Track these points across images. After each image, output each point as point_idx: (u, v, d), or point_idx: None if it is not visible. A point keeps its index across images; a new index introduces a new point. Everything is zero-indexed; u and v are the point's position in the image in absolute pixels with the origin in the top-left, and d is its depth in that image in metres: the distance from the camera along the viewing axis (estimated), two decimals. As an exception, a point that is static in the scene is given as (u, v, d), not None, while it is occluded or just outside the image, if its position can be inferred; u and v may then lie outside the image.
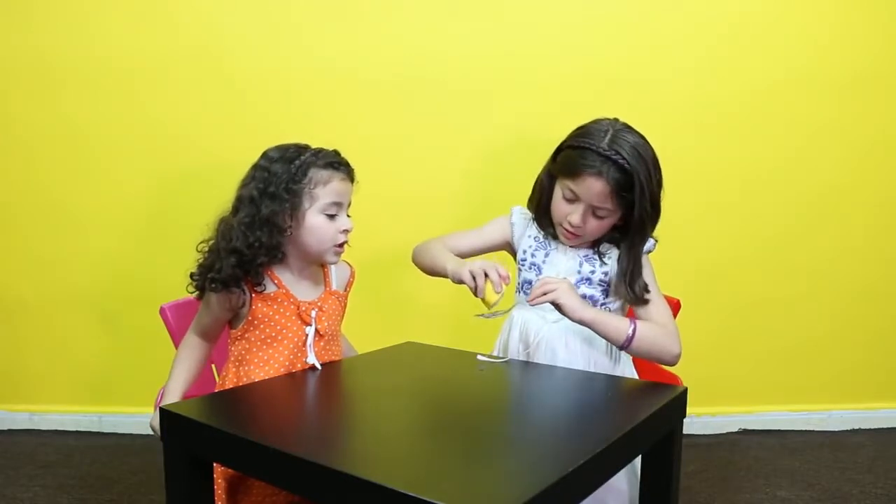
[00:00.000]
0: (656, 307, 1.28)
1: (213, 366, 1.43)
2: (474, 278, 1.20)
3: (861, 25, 2.15)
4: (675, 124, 2.15)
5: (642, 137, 1.25)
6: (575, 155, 1.24)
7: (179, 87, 2.14)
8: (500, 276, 1.18)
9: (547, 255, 1.37)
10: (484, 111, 2.13)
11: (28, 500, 1.85)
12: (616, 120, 1.27)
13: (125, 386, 2.27)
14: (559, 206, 1.30)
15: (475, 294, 1.20)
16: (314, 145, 1.26)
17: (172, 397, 1.21)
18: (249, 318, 1.20)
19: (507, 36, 2.12)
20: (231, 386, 1.20)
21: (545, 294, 1.19)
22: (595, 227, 1.27)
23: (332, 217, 1.21)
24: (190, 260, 1.22)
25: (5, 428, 2.34)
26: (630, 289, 1.27)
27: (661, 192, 1.27)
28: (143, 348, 2.13)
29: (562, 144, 1.30)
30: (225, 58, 2.12)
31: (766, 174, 2.21)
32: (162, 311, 1.41)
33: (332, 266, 1.30)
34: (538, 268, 1.36)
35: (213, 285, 1.17)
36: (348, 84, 2.13)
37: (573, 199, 1.26)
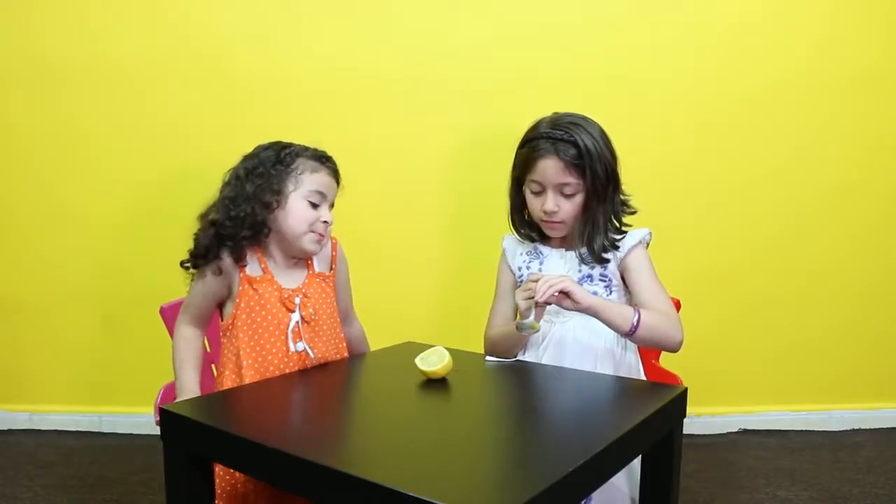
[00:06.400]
0: (656, 296, 1.29)
1: (213, 366, 1.43)
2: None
3: (862, 24, 2.15)
4: (675, 124, 2.15)
5: (582, 116, 1.32)
6: (526, 149, 1.32)
7: (179, 87, 2.14)
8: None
9: (542, 262, 1.38)
10: (484, 111, 2.12)
11: (28, 500, 1.85)
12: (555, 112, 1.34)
13: (125, 386, 2.27)
14: (532, 204, 1.34)
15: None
16: (313, 144, 1.27)
17: (190, 394, 1.21)
18: (237, 300, 1.21)
19: (507, 36, 2.11)
20: (229, 381, 1.20)
21: (551, 287, 1.18)
22: (569, 207, 1.31)
23: (314, 206, 1.23)
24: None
25: (5, 428, 2.33)
26: (590, 248, 1.31)
27: (616, 162, 1.33)
28: (143, 348, 2.13)
29: (515, 153, 1.36)
30: (225, 57, 2.12)
31: (767, 174, 2.20)
32: (162, 311, 1.41)
33: None
34: None
35: (196, 260, 1.20)
36: (347, 83, 2.13)
37: (540, 191, 1.31)
